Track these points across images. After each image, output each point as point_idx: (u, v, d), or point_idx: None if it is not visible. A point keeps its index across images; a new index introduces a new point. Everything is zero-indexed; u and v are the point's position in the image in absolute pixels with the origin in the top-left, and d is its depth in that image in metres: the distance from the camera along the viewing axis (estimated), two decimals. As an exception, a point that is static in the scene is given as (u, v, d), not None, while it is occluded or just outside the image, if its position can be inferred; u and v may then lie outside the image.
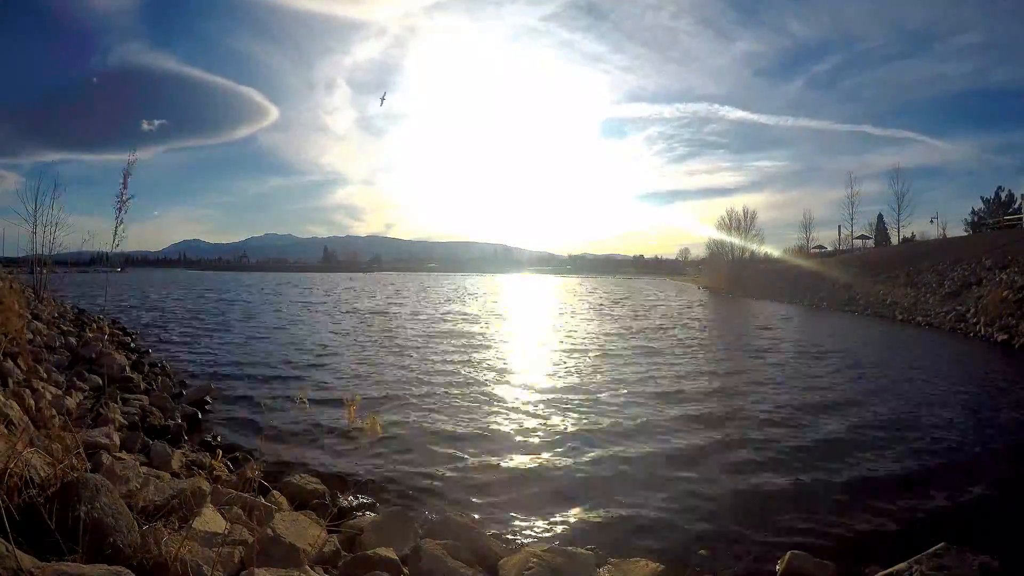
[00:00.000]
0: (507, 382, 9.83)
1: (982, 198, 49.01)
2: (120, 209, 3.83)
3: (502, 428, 7.04)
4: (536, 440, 6.56)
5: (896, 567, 3.24)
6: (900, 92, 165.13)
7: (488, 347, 14.23)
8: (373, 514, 4.29)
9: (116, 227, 3.91)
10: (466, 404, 8.19)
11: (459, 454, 6.03)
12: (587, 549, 3.56)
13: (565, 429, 6.98)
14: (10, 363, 6.34)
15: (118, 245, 3.96)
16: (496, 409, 7.94)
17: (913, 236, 47.11)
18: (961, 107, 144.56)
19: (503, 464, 5.77)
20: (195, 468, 4.80)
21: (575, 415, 7.61)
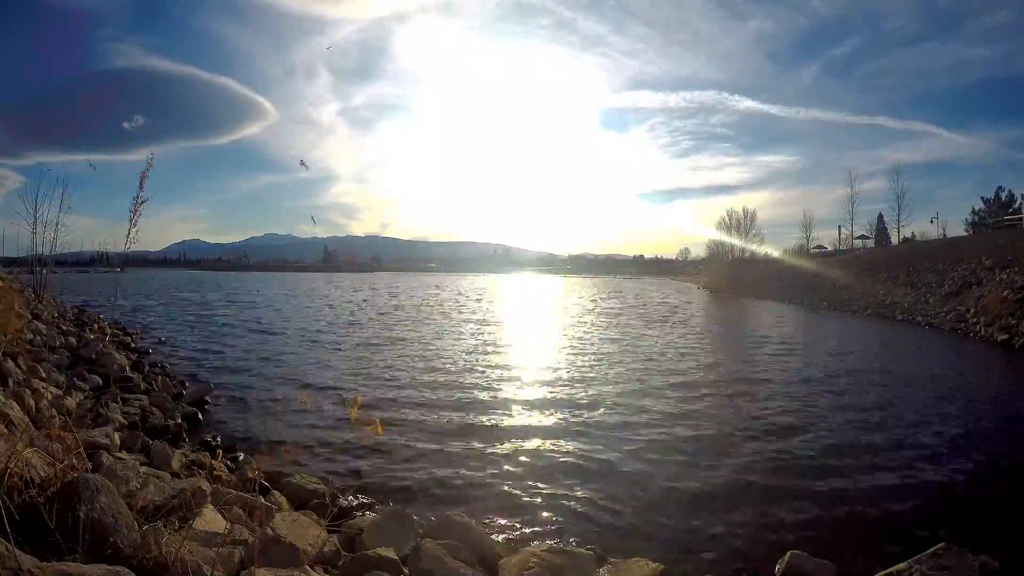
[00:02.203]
0: (510, 384, 9.82)
1: (982, 198, 49.05)
2: (135, 211, 3.82)
3: (503, 428, 7.04)
4: (537, 441, 6.56)
5: (896, 567, 3.24)
6: (921, 80, 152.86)
7: (492, 348, 14.22)
8: (373, 514, 4.28)
9: (130, 228, 3.91)
10: (468, 405, 8.18)
11: (460, 454, 6.04)
12: (587, 549, 3.56)
13: (566, 431, 6.99)
14: (10, 363, 6.34)
15: (129, 247, 3.97)
16: (497, 410, 7.94)
17: (913, 236, 47.09)
18: (982, 96, 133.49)
19: (504, 464, 5.77)
20: (195, 468, 4.80)
21: (576, 416, 7.61)
